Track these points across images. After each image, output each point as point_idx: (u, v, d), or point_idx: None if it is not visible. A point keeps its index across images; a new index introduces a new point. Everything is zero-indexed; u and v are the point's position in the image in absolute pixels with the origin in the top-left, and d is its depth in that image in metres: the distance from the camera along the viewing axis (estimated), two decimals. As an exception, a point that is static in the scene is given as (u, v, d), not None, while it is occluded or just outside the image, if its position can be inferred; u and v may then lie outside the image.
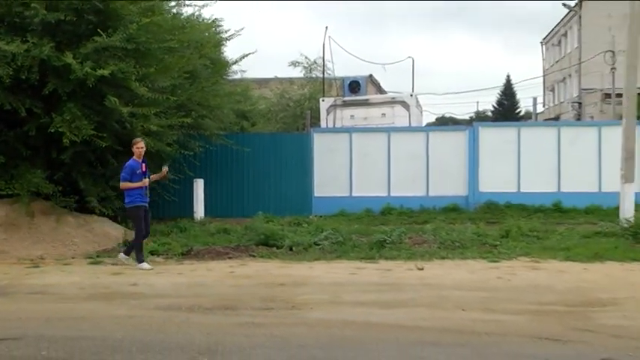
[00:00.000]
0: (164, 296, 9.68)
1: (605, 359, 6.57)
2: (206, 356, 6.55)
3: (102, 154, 15.61)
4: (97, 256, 13.50)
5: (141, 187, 12.54)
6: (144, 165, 12.66)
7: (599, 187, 20.98)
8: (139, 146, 12.76)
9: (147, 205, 12.81)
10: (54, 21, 14.18)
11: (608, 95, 39.94)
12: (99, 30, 14.31)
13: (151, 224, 17.52)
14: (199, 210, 19.49)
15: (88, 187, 15.37)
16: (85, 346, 6.84)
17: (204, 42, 18.61)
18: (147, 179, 12.67)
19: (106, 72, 13.90)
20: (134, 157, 12.67)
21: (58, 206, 15.13)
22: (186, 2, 18.37)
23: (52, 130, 14.07)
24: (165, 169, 13.59)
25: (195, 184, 19.52)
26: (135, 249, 12.57)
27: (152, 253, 13.69)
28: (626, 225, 15.25)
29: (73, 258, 13.44)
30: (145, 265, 12.24)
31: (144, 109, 14.94)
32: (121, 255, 12.74)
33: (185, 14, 18.72)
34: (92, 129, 14.36)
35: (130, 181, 12.46)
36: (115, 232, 15.51)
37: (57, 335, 7.31)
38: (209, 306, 8.97)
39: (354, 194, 21.61)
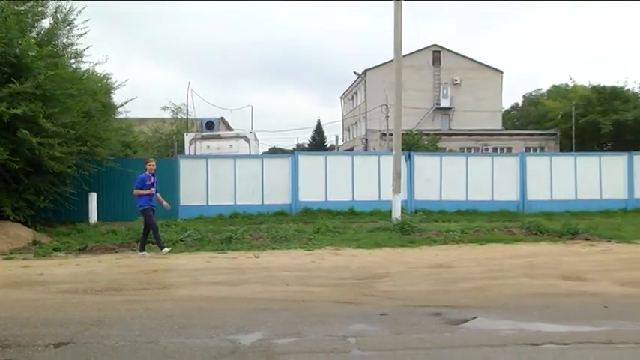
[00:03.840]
0: (64, 282, 9.09)
1: (383, 314, 6.82)
2: (96, 326, 6.23)
3: (15, 173, 14.81)
4: (11, 253, 12.52)
5: (148, 194, 12.24)
6: (153, 178, 12.39)
7: (379, 197, 21.63)
8: (151, 164, 12.58)
9: (154, 207, 12.45)
10: (-26, 70, 13.39)
11: (384, 135, 41.54)
12: (13, 78, 13.75)
13: (55, 227, 16.79)
14: (93, 216, 18.80)
15: (3, 200, 14.64)
16: (-3, 324, 6.30)
17: (97, 90, 18.20)
18: (153, 189, 12.34)
19: (18, 111, 13.40)
20: (146, 172, 12.39)
21: (-22, 215, 14.10)
22: (84, 60, 17.84)
23: (-28, 155, 13.24)
24: (166, 205, 13.16)
25: (90, 196, 18.84)
26: (141, 242, 12.34)
27: (55, 249, 12.91)
28: (396, 223, 15.87)
29: (-11, 255, 12.36)
30: (145, 253, 12.11)
31: (49, 140, 14.43)
32: (142, 253, 12.18)
33: (83, 68, 18.11)
34: (7, 154, 13.77)
35: (141, 189, 12.15)
36: (26, 234, 14.52)
37: (-26, 316, 6.68)
38: (100, 288, 8.52)
39: (209, 203, 21.24)
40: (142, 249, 12.23)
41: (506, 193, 22.70)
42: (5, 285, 8.94)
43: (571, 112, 45.65)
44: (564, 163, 23.39)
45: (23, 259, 11.95)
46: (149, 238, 12.61)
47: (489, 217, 20.25)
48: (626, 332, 6.15)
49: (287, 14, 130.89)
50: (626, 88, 46.19)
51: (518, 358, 5.18)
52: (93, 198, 18.96)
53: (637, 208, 22.33)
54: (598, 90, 46.71)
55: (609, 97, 45.33)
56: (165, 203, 13.01)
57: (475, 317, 6.65)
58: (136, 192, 12.30)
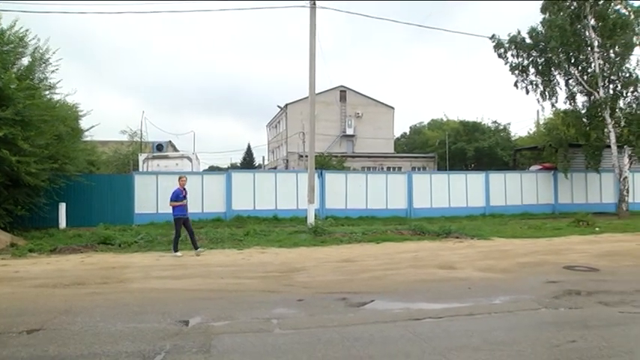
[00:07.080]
0: (37, 278, 8.75)
1: (300, 300, 6.96)
2: (64, 315, 6.07)
3: (-5, 187, 14.38)
4: (-10, 254, 11.82)
5: (181, 205, 12.00)
6: (184, 191, 12.21)
7: (297, 206, 21.61)
8: (182, 180, 12.50)
9: (186, 215, 12.16)
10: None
11: (301, 156, 41.73)
12: None
13: (30, 232, 16.15)
14: (62, 222, 18.03)
15: (-16, 209, 13.95)
16: (-26, 316, 5.97)
17: (67, 116, 17.67)
18: (185, 200, 12.12)
19: (0, 134, 13.05)
20: (179, 186, 12.23)
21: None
22: (56, 91, 17.46)
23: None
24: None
25: (60, 206, 18.06)
26: (174, 243, 12.01)
27: (30, 251, 12.33)
28: (310, 227, 15.98)
29: (-30, 256, 11.58)
30: (178, 253, 11.76)
31: (26, 158, 14.06)
32: (175, 253, 11.80)
33: (55, 99, 17.54)
34: None
35: (176, 201, 11.96)
36: (4, 238, 13.71)
37: (-47, 310, 6.29)
38: (67, 283, 8.24)
39: (159, 211, 20.41)
40: (175, 250, 11.95)
41: (398, 202, 23.32)
42: (-19, 282, 8.44)
43: (445, 140, 48.03)
44: (441, 179, 24.38)
45: (2, 259, 11.36)
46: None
47: (384, 221, 20.54)
48: (483, 306, 6.68)
49: (226, 58, 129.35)
50: (483, 123, 49.51)
51: (405, 330, 5.46)
52: (62, 207, 18.21)
53: (492, 213, 23.61)
54: (464, 124, 49.70)
55: (472, 129, 48.33)
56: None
57: (373, 300, 6.93)
58: (172, 203, 12.07)
